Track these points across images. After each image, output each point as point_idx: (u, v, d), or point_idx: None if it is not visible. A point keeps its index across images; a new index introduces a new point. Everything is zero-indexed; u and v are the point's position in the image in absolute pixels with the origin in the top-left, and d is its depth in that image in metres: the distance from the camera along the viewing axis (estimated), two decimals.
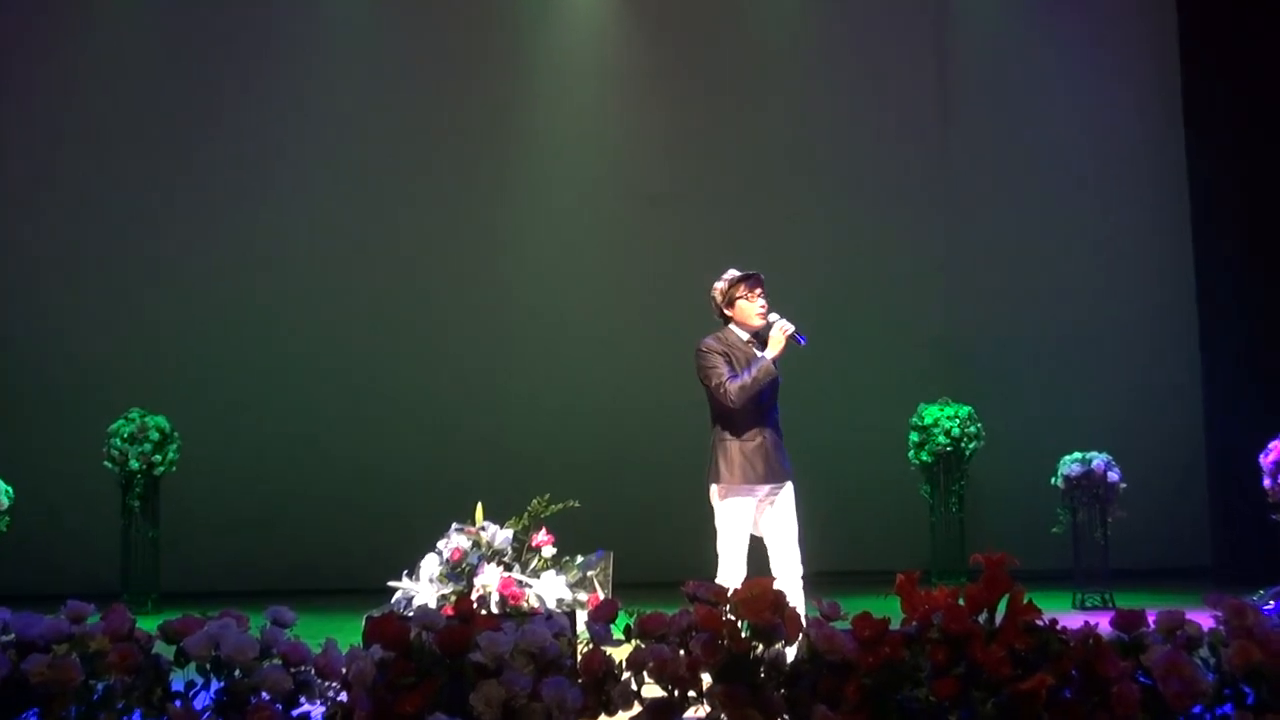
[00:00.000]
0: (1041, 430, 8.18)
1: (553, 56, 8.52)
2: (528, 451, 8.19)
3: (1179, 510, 8.31)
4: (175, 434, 7.47)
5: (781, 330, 4.43)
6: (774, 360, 4.46)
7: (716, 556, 4.47)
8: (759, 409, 4.45)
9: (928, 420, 8.02)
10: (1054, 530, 7.13)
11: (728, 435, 4.46)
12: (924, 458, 7.97)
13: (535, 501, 4.56)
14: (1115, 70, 8.58)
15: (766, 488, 4.47)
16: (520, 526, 4.52)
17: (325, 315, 8.33)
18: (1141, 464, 7.55)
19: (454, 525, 4.57)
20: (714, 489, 4.47)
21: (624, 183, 8.53)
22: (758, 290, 4.51)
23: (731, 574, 4.38)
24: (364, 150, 8.42)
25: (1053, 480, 7.18)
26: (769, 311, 4.49)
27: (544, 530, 4.57)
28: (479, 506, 4.61)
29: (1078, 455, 7.08)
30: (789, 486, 4.54)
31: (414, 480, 8.14)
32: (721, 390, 4.41)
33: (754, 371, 4.38)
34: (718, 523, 4.49)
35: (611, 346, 8.47)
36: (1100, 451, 7.09)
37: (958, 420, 7.96)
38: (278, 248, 8.33)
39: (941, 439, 7.90)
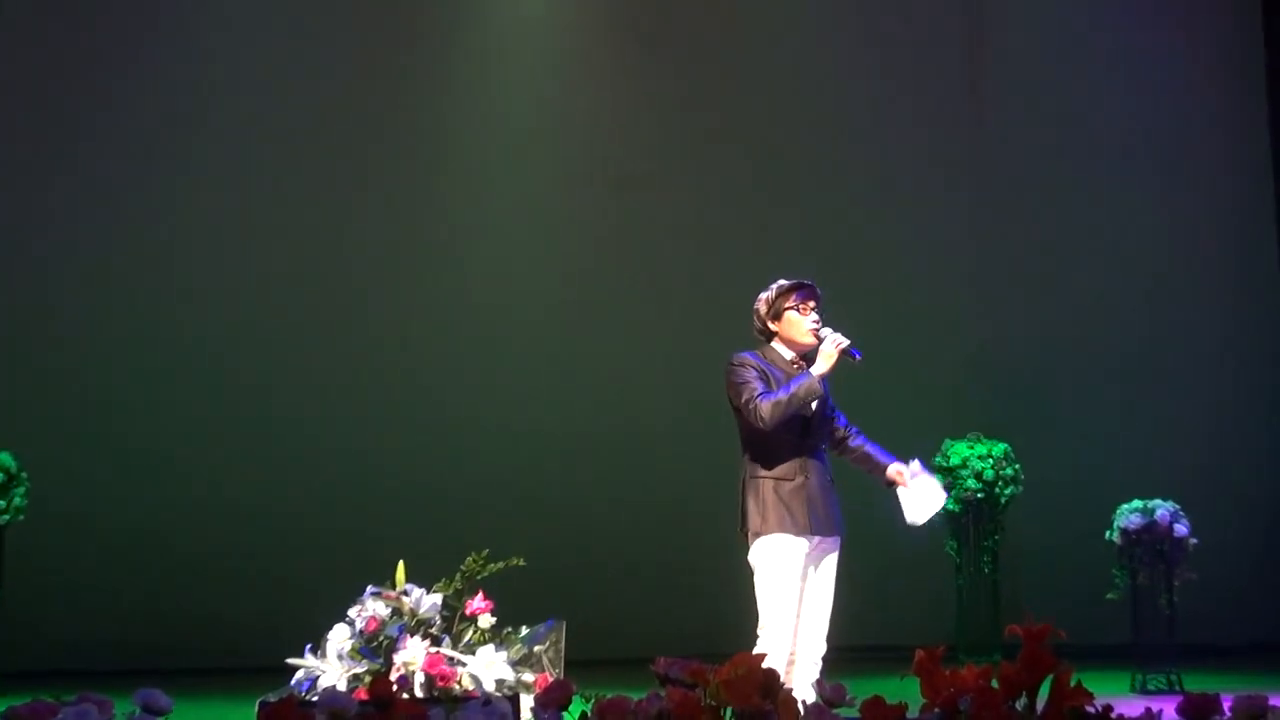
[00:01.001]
0: (1093, 473, 8.28)
1: (505, 22, 8.69)
2: (466, 494, 8.25)
3: (1261, 574, 8.35)
4: (23, 475, 7.37)
5: (834, 344, 4.49)
6: (821, 378, 4.50)
7: (757, 620, 4.52)
8: (800, 441, 4.50)
9: (954, 460, 8.06)
10: (1109, 596, 7.18)
11: (760, 471, 4.50)
12: (950, 506, 7.92)
13: (471, 559, 4.57)
14: (1182, 46, 8.71)
15: (810, 541, 4.50)
16: (451, 590, 4.52)
17: (218, 327, 8.37)
18: (1216, 516, 7.58)
19: (369, 589, 4.56)
20: (752, 541, 4.53)
21: (594, 166, 8.66)
22: (810, 303, 4.58)
23: (776, 641, 4.43)
24: (277, 135, 8.50)
25: (1108, 535, 7.23)
26: (821, 328, 4.55)
27: (481, 595, 4.55)
28: (400, 565, 4.60)
29: (1138, 504, 7.11)
30: (835, 544, 4.58)
31: (320, 532, 8.20)
32: (751, 407, 4.45)
33: (794, 388, 4.42)
34: (757, 579, 4.52)
35: (577, 362, 8.52)
36: (1165, 500, 7.15)
37: (991, 460, 8.00)
38: (154, 263, 8.36)
39: (971, 483, 7.94)
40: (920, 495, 4.65)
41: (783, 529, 4.42)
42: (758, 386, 4.49)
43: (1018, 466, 8.05)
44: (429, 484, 8.25)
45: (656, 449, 8.25)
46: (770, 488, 4.46)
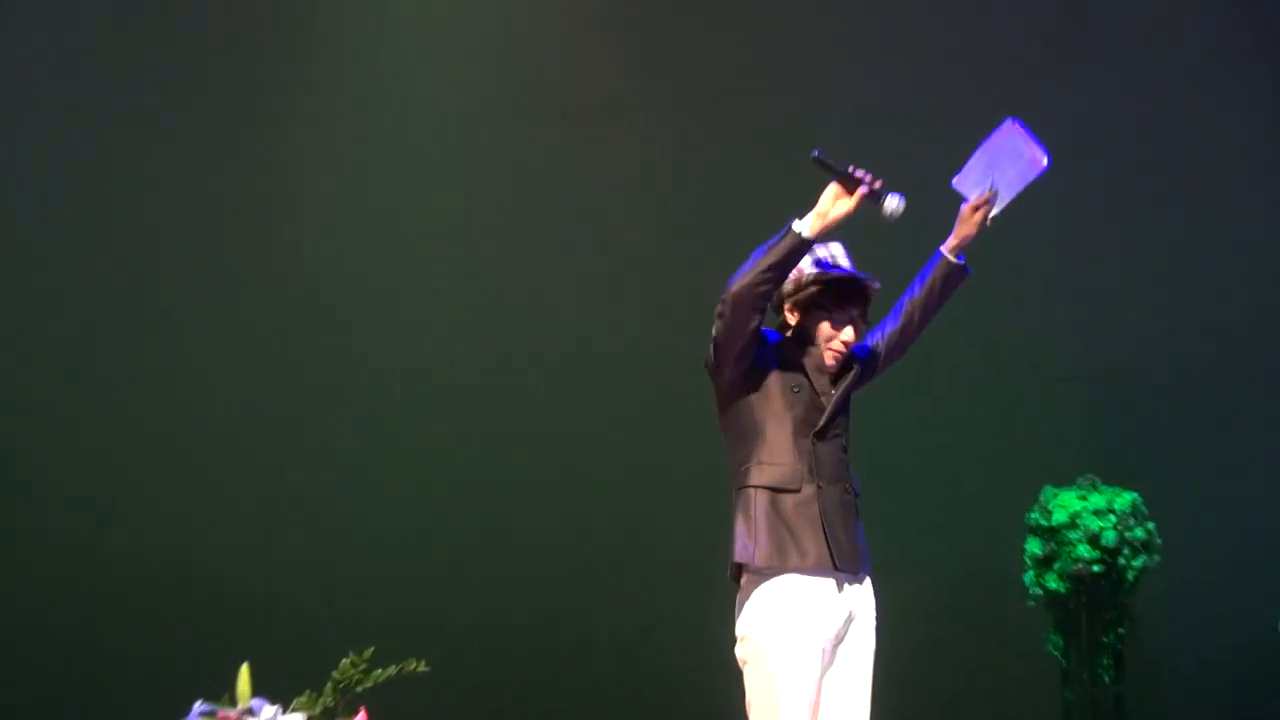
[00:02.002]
0: (1261, 535, 8.05)
1: None
2: (340, 558, 8.25)
3: None
4: None
5: (843, 195, 4.29)
6: (823, 224, 4.30)
7: None
8: (805, 432, 4.42)
9: (1059, 517, 7.70)
10: None
11: (751, 477, 4.41)
12: (1052, 583, 7.69)
13: (347, 661, 4.50)
14: None
15: (825, 582, 4.35)
16: (319, 708, 4.41)
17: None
18: None
19: (199, 705, 4.57)
20: (738, 588, 4.40)
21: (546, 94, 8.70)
22: (853, 310, 4.50)
23: None
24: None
25: None
26: (857, 333, 4.50)
27: (363, 713, 4.49)
28: (244, 669, 4.58)
29: None
30: (867, 593, 4.49)
31: (126, 613, 8.21)
32: (718, 310, 4.34)
33: (765, 249, 4.29)
34: (743, 652, 4.38)
35: (514, 359, 8.57)
36: None
37: (1112, 517, 7.64)
38: None
39: (1084, 550, 7.59)
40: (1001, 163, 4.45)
41: (784, 562, 4.31)
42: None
43: (1151, 527, 7.70)
44: (301, 549, 8.25)
45: (626, 465, 8.27)
46: (765, 501, 4.36)
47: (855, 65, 8.91)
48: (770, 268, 4.29)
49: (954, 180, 4.47)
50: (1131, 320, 8.83)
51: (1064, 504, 7.85)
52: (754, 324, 4.33)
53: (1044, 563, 7.82)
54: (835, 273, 4.47)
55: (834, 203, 4.30)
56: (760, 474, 4.41)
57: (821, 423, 4.43)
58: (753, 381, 4.42)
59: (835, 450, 4.49)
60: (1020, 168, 4.44)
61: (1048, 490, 7.93)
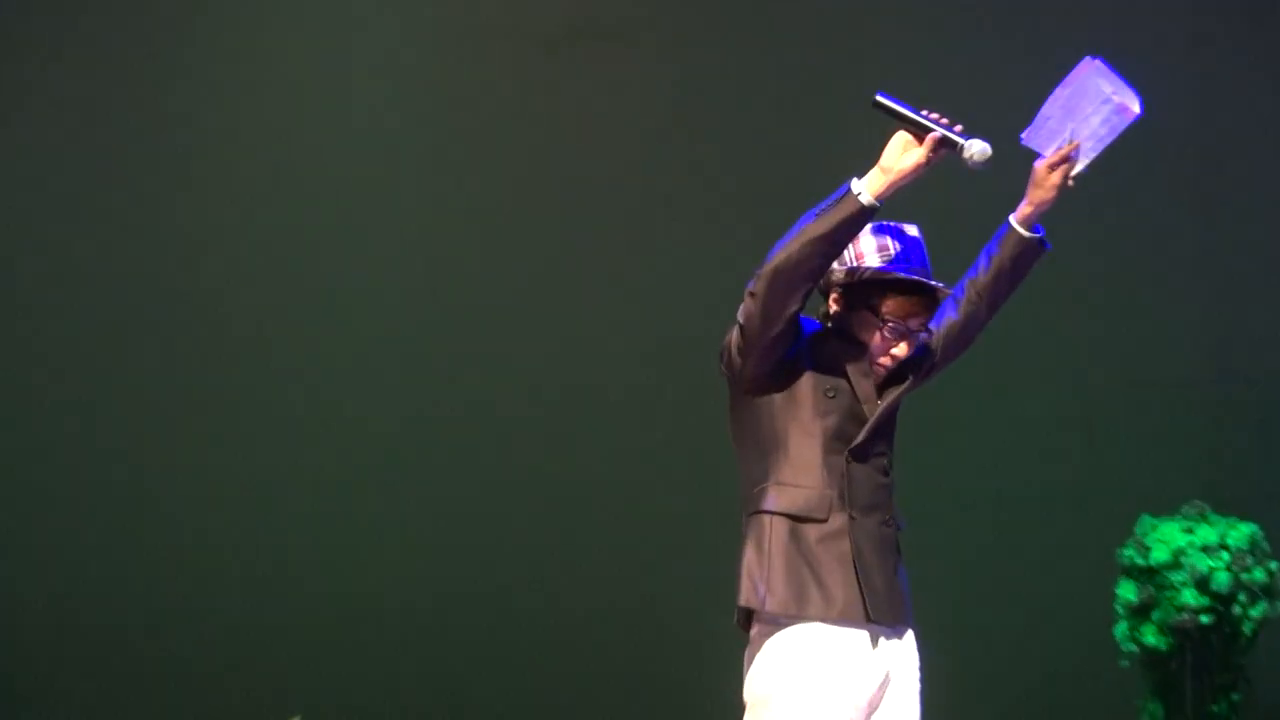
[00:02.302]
0: None
1: None
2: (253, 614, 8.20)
3: None
4: None
5: (911, 145, 4.13)
6: (889, 183, 4.16)
7: None
8: (838, 449, 4.31)
9: (1159, 554, 7.31)
10: None
11: (768, 501, 4.28)
12: (1150, 638, 7.32)
13: None
14: None
15: (856, 635, 4.25)
16: None
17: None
18: None
19: None
20: (753, 637, 4.31)
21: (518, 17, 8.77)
22: (918, 318, 4.34)
23: None
24: None
25: None
26: (912, 348, 4.36)
27: None
28: None
29: None
30: (909, 651, 4.38)
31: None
32: (749, 289, 4.24)
33: (818, 211, 4.17)
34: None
35: (489, 332, 8.58)
36: None
37: (1226, 555, 7.26)
38: None
39: (1189, 597, 7.20)
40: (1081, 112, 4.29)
41: (804, 608, 4.22)
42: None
43: (1274, 567, 7.29)
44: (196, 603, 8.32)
45: (628, 475, 8.29)
46: (783, 532, 4.25)
47: None
48: (821, 239, 4.12)
49: (1024, 134, 4.26)
50: (1257, 313, 8.67)
51: (1165, 538, 7.51)
52: (793, 309, 4.20)
53: (1140, 612, 7.49)
54: (902, 274, 4.27)
55: (902, 155, 4.12)
56: (779, 497, 4.25)
57: (861, 438, 4.28)
58: (779, 381, 4.28)
59: (875, 473, 4.36)
60: (1106, 115, 4.27)
61: (1145, 521, 7.57)
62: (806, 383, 4.33)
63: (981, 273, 4.46)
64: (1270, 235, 8.84)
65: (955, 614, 7.58)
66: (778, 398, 4.32)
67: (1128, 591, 7.40)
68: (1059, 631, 8.01)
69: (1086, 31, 8.63)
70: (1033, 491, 8.30)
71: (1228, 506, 7.57)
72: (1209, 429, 8.51)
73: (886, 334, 4.31)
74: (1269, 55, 8.95)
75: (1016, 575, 8.21)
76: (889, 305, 4.31)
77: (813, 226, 4.18)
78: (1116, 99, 4.26)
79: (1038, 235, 4.38)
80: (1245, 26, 9.16)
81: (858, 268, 4.35)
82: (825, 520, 4.27)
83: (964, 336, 4.50)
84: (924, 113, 4.17)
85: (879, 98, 4.16)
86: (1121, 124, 4.27)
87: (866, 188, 4.14)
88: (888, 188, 4.15)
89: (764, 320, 4.24)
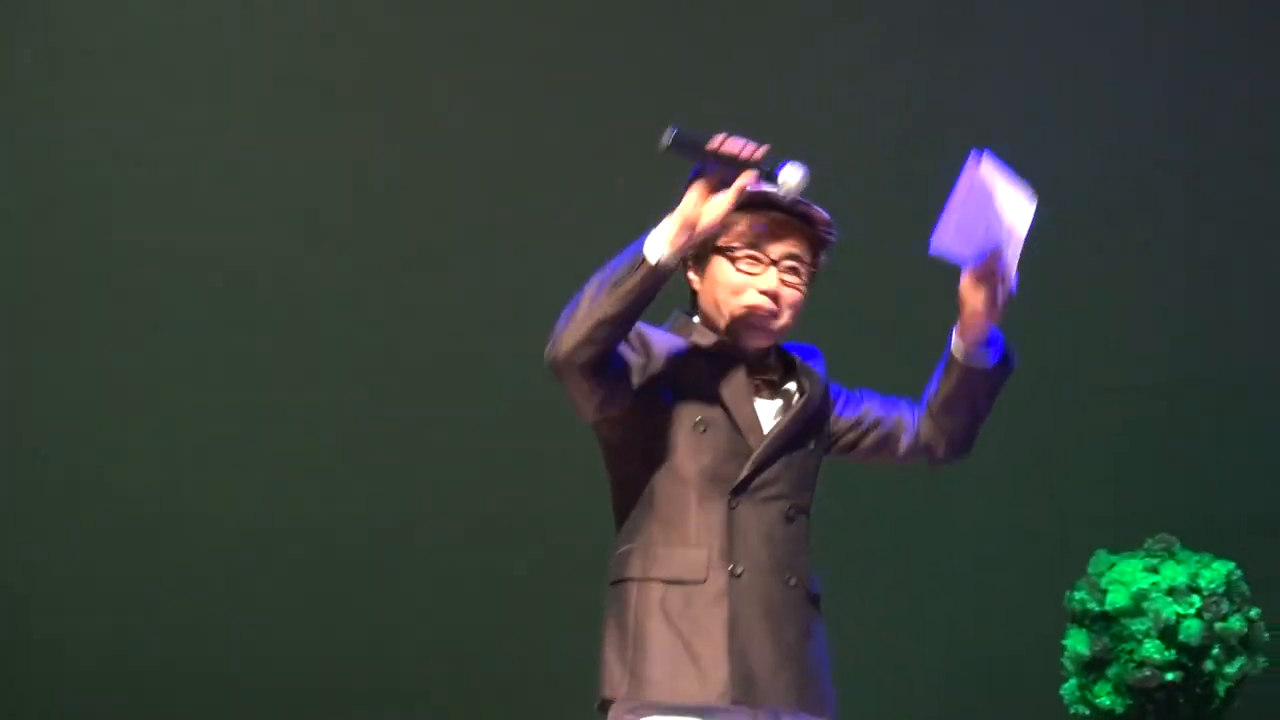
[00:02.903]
0: None
1: None
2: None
3: None
4: None
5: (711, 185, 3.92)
6: (690, 238, 3.89)
7: None
8: (713, 491, 4.02)
9: (1118, 598, 6.87)
10: None
11: (634, 566, 4.02)
12: (1104, 698, 6.83)
13: None
14: None
15: None
16: None
17: None
18: None
19: None
20: None
21: None
22: (776, 243, 4.08)
23: None
24: None
25: None
26: (780, 297, 4.08)
27: None
28: None
29: None
30: None
31: None
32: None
33: (607, 270, 3.97)
34: None
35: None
36: None
37: (1197, 599, 6.85)
38: None
39: (1151, 651, 6.74)
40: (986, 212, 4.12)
41: (672, 691, 3.91)
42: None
43: (1254, 614, 6.82)
44: None
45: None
46: (650, 602, 3.95)
47: None
48: (612, 320, 3.85)
49: (932, 244, 4.11)
50: (1237, 311, 8.50)
51: (1124, 578, 6.99)
52: (600, 392, 3.97)
53: (1092, 667, 6.96)
54: (753, 186, 3.97)
55: (705, 203, 3.86)
56: (647, 560, 4.01)
57: (744, 475, 4.01)
58: (635, 423, 4.05)
59: (772, 520, 4.05)
60: (1013, 210, 4.19)
61: (1100, 557, 7.02)
62: (671, 417, 4.05)
63: (929, 409, 4.23)
64: (1242, 234, 8.62)
65: (875, 663, 7.51)
66: (638, 440, 4.04)
67: (1078, 643, 6.86)
68: (995, 689, 7.75)
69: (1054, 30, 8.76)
70: (965, 523, 8.08)
71: (1200, 540, 7.02)
72: (1180, 444, 8.18)
73: (741, 268, 4.01)
74: (1241, 54, 8.74)
75: (944, 620, 7.98)
76: (736, 229, 4.01)
77: (603, 302, 3.89)
78: (1015, 192, 4.14)
79: (990, 365, 4.10)
80: (1212, 21, 8.87)
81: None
82: (703, 582, 3.98)
83: (903, 453, 4.25)
84: (723, 143, 3.92)
85: (673, 135, 3.89)
86: (1029, 219, 4.16)
87: (660, 246, 3.82)
88: (687, 246, 3.90)
89: (576, 399, 4.02)
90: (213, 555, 8.48)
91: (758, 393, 4.11)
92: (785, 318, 4.05)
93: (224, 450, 8.48)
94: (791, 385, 4.16)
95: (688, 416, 4.04)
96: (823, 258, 4.13)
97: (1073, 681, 6.82)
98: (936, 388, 4.22)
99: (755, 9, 9.10)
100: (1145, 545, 6.89)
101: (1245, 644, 6.80)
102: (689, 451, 4.04)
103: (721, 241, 4.08)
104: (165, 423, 8.51)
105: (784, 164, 3.91)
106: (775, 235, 4.08)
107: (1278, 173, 8.69)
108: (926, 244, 4.11)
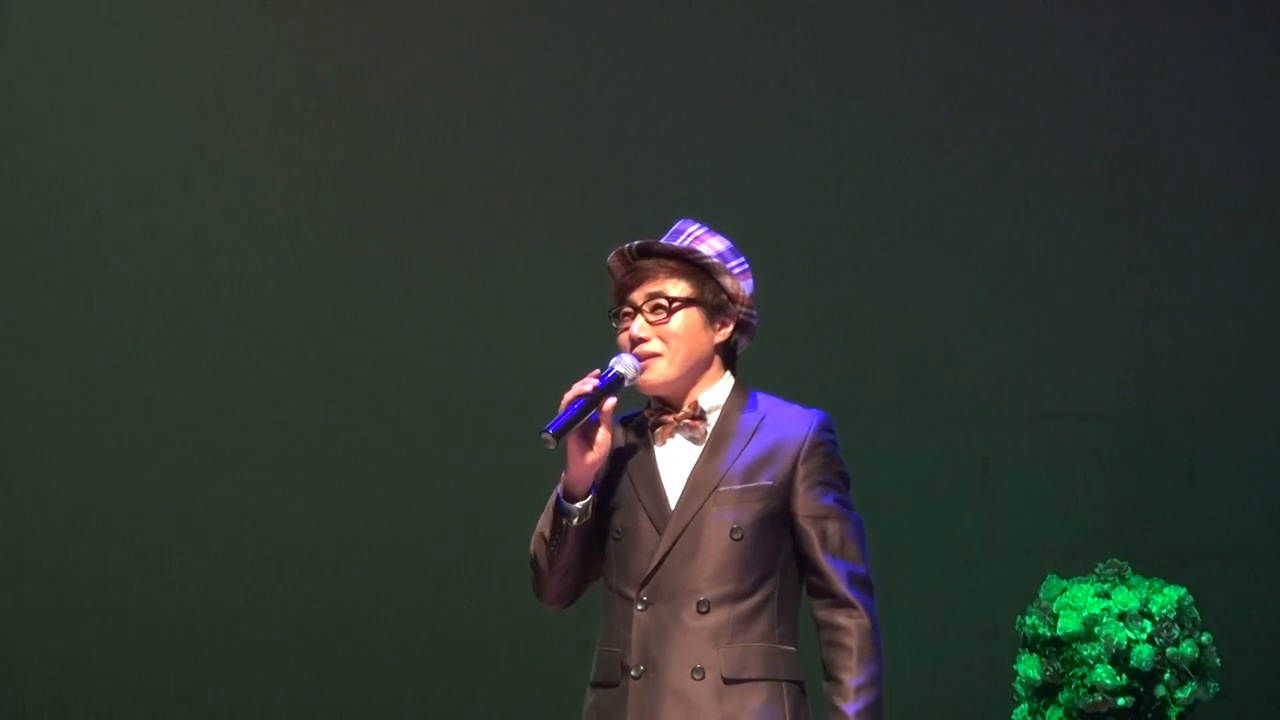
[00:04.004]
0: None
1: None
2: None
3: None
4: None
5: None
6: (568, 478, 4.25)
7: None
8: (627, 598, 4.24)
9: (1068, 623, 6.88)
10: None
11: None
12: None
13: None
14: None
15: None
16: None
17: None
18: None
19: None
20: None
21: None
22: (636, 293, 4.32)
23: None
24: None
25: None
26: (637, 344, 4.32)
27: None
28: None
29: None
30: None
31: None
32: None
33: (544, 515, 4.32)
34: None
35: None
36: None
37: (1148, 624, 6.86)
38: None
39: (1105, 675, 6.77)
40: None
41: None
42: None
43: (1205, 640, 6.84)
44: None
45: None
46: (590, 704, 4.29)
47: None
48: (549, 562, 4.23)
49: None
50: (1188, 336, 8.46)
51: (1075, 603, 7.02)
52: (573, 596, 4.41)
53: (1044, 692, 6.94)
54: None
55: (583, 449, 4.14)
56: (593, 663, 4.33)
57: (649, 570, 4.16)
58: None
59: (677, 613, 4.17)
60: None
61: (1051, 582, 7.01)
62: (605, 528, 4.27)
63: (837, 650, 4.24)
64: (1198, 245, 8.50)
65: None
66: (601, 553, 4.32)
67: (1029, 668, 6.83)
68: (946, 715, 7.66)
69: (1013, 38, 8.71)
70: (914, 546, 7.86)
71: (1152, 566, 7.05)
72: (1129, 472, 8.12)
73: (622, 325, 4.24)
74: (1198, 61, 8.72)
75: (893, 646, 7.63)
76: (611, 295, 4.27)
77: (539, 533, 4.22)
78: None
79: None
80: (1171, 33, 8.85)
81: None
82: (616, 685, 4.19)
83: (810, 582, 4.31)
84: (582, 394, 4.17)
85: (553, 433, 4.17)
86: None
87: (566, 494, 4.16)
88: (586, 478, 4.14)
89: (548, 602, 4.37)
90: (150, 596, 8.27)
91: (667, 437, 4.21)
92: (665, 354, 4.16)
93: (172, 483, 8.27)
94: (695, 445, 4.19)
95: (612, 527, 4.23)
96: (721, 282, 4.21)
97: (1024, 706, 6.82)
98: (825, 684, 4.23)
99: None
100: (1096, 570, 6.90)
101: (1197, 670, 6.81)
102: (611, 559, 4.22)
103: (610, 310, 4.29)
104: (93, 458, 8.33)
105: (612, 369, 4.19)
106: (631, 284, 4.22)
107: (1223, 200, 8.57)
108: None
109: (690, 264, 4.21)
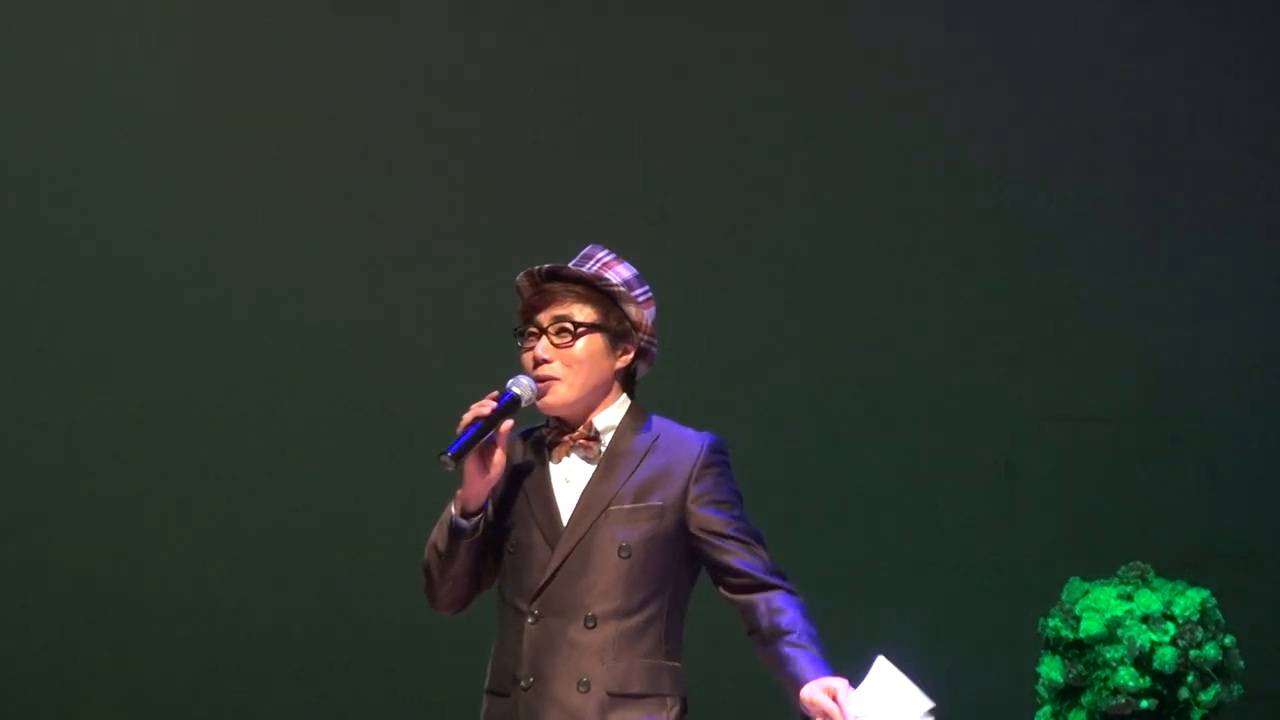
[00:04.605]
0: None
1: None
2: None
3: None
4: None
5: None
6: (462, 495, 4.27)
7: None
8: (520, 611, 4.28)
9: (1091, 625, 6.83)
10: None
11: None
12: None
13: None
14: None
15: None
16: None
17: None
18: None
19: None
20: None
21: None
22: (542, 315, 4.40)
23: None
24: None
25: None
26: (540, 365, 4.40)
27: None
28: None
29: None
30: None
31: None
32: None
33: (437, 526, 4.34)
34: None
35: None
36: None
37: (1172, 627, 6.82)
38: None
39: (1129, 678, 6.73)
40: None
41: None
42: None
43: (1229, 642, 6.80)
44: None
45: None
46: (485, 711, 4.36)
47: None
48: (437, 572, 4.28)
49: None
50: (1207, 338, 8.34)
51: (1098, 606, 6.98)
52: (464, 603, 4.46)
53: (1066, 695, 6.93)
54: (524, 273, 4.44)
55: (483, 469, 4.18)
56: (488, 671, 4.37)
57: (540, 585, 4.23)
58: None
59: (566, 627, 4.24)
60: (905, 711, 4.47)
61: (1074, 584, 6.97)
62: (501, 541, 4.30)
63: (759, 624, 4.27)
64: (1220, 250, 8.40)
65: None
66: (495, 564, 4.35)
67: (1052, 670, 6.80)
68: (969, 719, 7.10)
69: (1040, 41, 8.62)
70: (937, 549, 7.90)
71: (1175, 567, 7.03)
72: (1150, 474, 8.03)
73: (526, 345, 4.27)
74: (1217, 65, 8.63)
75: (916, 648, 7.70)
76: (518, 313, 4.30)
77: (432, 544, 4.23)
78: (912, 699, 4.36)
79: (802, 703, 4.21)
80: (1192, 35, 8.77)
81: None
82: (508, 695, 4.23)
83: (723, 590, 4.32)
84: (480, 415, 4.19)
85: (451, 455, 4.22)
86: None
87: (461, 511, 4.17)
88: (476, 499, 4.18)
89: (440, 608, 4.41)
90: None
91: (564, 456, 4.26)
92: (564, 379, 4.21)
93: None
94: (589, 464, 4.23)
95: (506, 541, 4.28)
96: (625, 310, 4.26)
97: (1046, 709, 6.79)
98: (771, 661, 4.27)
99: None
100: (1119, 572, 6.88)
101: (1220, 672, 6.80)
102: (506, 571, 4.27)
103: (516, 329, 4.32)
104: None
105: (509, 391, 4.23)
106: (538, 305, 4.26)
107: (1245, 200, 8.55)
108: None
109: (597, 290, 4.27)
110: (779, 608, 4.29)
